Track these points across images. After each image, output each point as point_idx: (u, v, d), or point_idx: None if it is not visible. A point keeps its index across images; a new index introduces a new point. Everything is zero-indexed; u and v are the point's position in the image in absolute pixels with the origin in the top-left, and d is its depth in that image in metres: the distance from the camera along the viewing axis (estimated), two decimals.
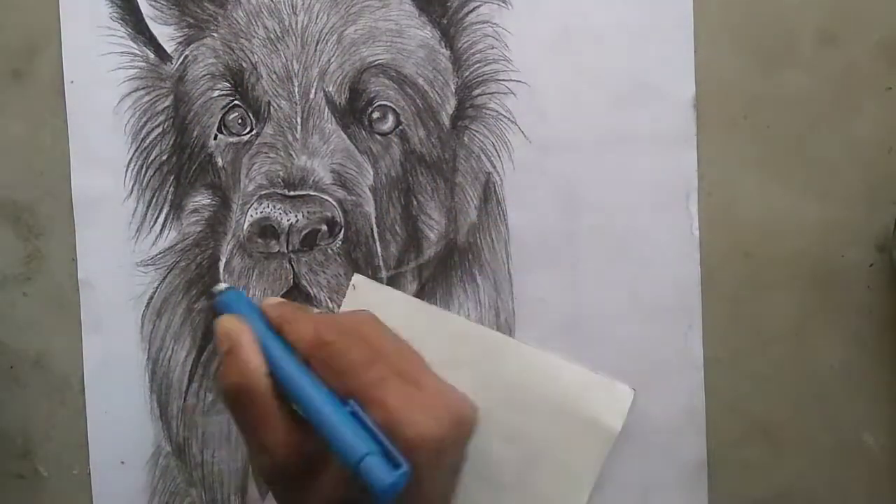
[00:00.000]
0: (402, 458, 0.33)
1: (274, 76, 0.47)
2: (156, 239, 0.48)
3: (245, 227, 0.46)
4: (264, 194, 0.45)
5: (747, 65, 0.47)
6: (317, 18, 0.47)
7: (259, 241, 0.45)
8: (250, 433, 0.36)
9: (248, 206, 0.46)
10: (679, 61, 0.47)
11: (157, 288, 0.48)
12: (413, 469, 0.34)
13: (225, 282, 0.47)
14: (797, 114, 0.47)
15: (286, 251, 0.45)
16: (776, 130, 0.47)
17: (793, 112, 0.47)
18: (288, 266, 0.45)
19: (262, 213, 0.45)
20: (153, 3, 0.47)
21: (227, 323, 0.38)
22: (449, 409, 0.36)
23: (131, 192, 0.47)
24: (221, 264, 0.47)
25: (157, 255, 0.48)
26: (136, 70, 0.47)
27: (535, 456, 0.46)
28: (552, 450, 0.46)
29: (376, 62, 0.47)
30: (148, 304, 0.48)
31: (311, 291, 0.46)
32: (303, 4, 0.47)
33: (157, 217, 0.47)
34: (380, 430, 0.34)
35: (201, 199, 0.48)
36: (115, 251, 0.47)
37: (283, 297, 0.46)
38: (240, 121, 0.47)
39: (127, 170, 0.47)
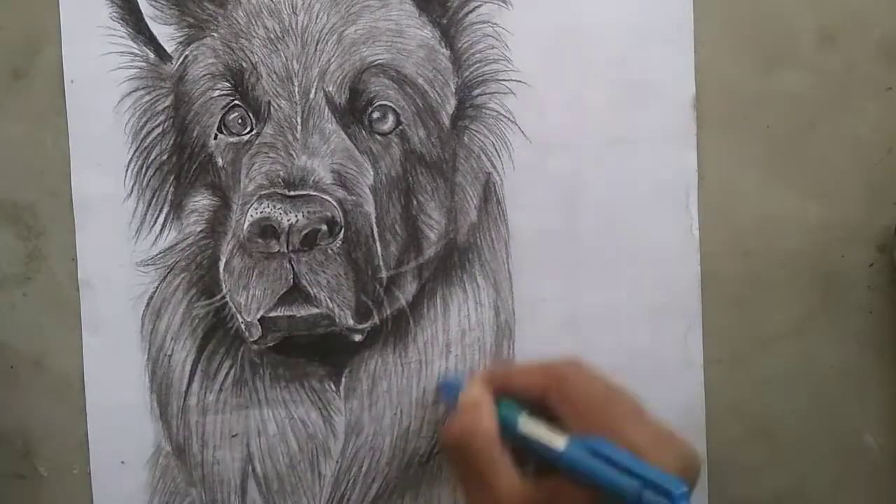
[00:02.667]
0: (673, 481, 0.34)
1: (274, 76, 0.47)
2: (156, 239, 0.47)
3: (245, 226, 0.45)
4: (264, 194, 0.45)
5: (747, 65, 0.47)
6: (317, 18, 0.47)
7: (259, 240, 0.45)
8: (476, 488, 0.37)
9: (248, 205, 0.46)
10: (679, 61, 0.47)
11: (157, 288, 0.48)
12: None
13: (225, 283, 0.47)
14: (797, 114, 0.47)
15: (286, 251, 0.45)
16: (776, 130, 0.47)
17: (793, 112, 0.47)
18: (288, 266, 0.45)
19: (262, 212, 0.45)
20: (153, 3, 0.47)
21: (470, 390, 0.40)
22: (681, 444, 0.37)
23: (131, 192, 0.47)
24: (221, 264, 0.47)
25: (157, 255, 0.47)
26: (136, 70, 0.47)
27: None
28: None
29: (376, 62, 0.47)
30: (148, 304, 0.48)
31: (311, 291, 0.45)
32: (303, 4, 0.47)
33: (157, 217, 0.47)
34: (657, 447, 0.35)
35: (201, 199, 0.48)
36: (115, 251, 0.47)
37: (282, 296, 0.46)
38: (240, 121, 0.47)
39: (127, 170, 0.47)
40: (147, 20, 0.47)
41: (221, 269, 0.47)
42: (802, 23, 0.47)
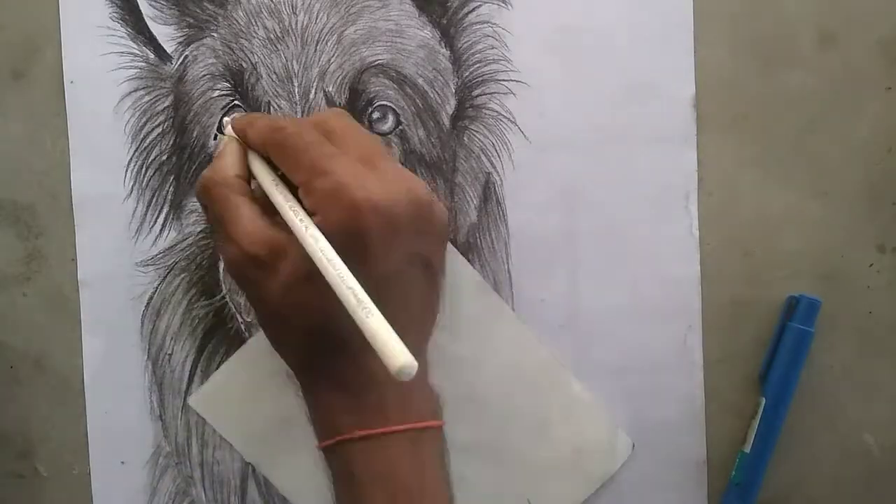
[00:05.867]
0: None
1: (274, 76, 0.47)
2: (155, 239, 0.47)
3: None
4: None
5: (747, 65, 0.47)
6: (317, 18, 0.47)
7: None
8: (219, 225, 0.38)
9: None
10: (679, 61, 0.47)
11: (156, 288, 0.48)
12: (363, 238, 0.35)
13: (225, 283, 0.47)
14: (797, 114, 0.47)
15: None
16: (776, 130, 0.47)
17: (793, 112, 0.47)
18: None
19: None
20: (153, 3, 0.47)
21: (221, 140, 0.41)
22: (405, 185, 0.37)
23: (131, 192, 0.47)
24: (221, 264, 0.47)
25: (156, 255, 0.47)
26: (136, 70, 0.47)
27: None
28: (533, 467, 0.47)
29: (376, 62, 0.47)
30: (148, 304, 0.48)
31: None
32: (303, 4, 0.47)
33: (157, 217, 0.47)
34: (327, 198, 0.35)
35: None
36: (115, 251, 0.47)
37: None
38: None
39: (127, 170, 0.47)
40: (147, 20, 0.47)
41: (221, 270, 0.47)
42: (802, 23, 0.47)
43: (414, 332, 0.38)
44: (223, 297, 0.47)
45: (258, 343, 0.46)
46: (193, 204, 0.47)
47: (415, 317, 0.39)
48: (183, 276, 0.48)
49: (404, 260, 0.37)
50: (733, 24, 0.47)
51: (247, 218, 0.37)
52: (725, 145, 0.47)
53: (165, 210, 0.47)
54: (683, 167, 0.47)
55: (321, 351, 0.38)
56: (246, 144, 0.40)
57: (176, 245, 0.48)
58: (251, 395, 0.46)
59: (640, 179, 0.47)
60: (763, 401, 0.46)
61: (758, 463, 0.46)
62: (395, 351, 0.31)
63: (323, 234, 0.35)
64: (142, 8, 0.47)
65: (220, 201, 0.38)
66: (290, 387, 0.42)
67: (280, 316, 0.38)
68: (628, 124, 0.47)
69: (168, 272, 0.48)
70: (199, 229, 0.47)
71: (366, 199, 0.35)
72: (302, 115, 0.46)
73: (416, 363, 0.31)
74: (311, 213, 0.36)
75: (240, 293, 0.46)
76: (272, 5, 0.47)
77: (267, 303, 0.38)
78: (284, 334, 0.39)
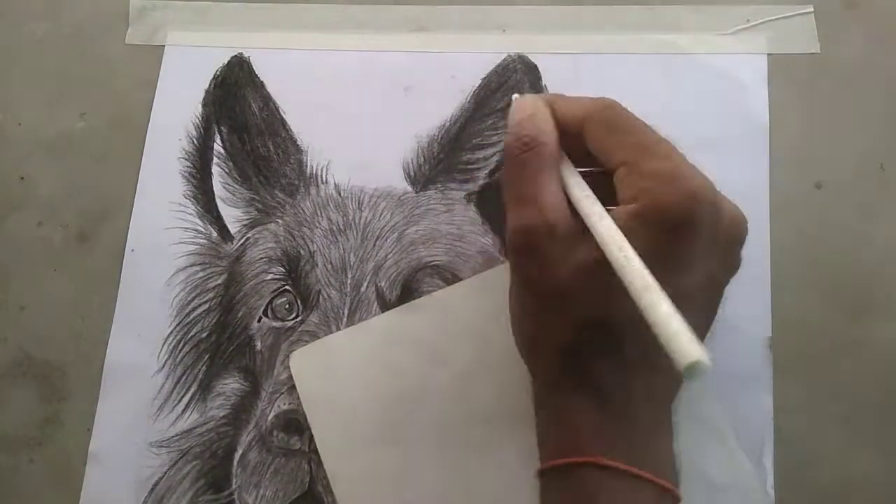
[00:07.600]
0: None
1: (329, 266, 0.46)
2: (176, 419, 0.44)
3: (270, 417, 0.42)
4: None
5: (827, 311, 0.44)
6: (380, 216, 0.47)
7: (281, 434, 0.42)
8: (523, 185, 0.34)
9: (278, 395, 0.43)
10: (756, 302, 0.44)
11: (164, 473, 0.44)
12: (692, 232, 0.31)
13: (236, 478, 0.43)
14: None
15: (307, 450, 0.42)
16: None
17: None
18: (306, 467, 0.41)
19: (290, 404, 0.42)
20: (227, 185, 0.48)
21: (524, 98, 0.37)
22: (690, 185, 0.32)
23: (163, 366, 0.45)
24: (237, 455, 0.43)
25: (173, 437, 0.44)
26: (196, 246, 0.47)
27: None
28: None
29: (433, 262, 0.45)
30: (152, 490, 0.43)
31: (325, 500, 0.41)
32: (369, 202, 0.47)
33: (183, 396, 0.45)
34: (663, 180, 0.32)
35: (231, 383, 0.45)
36: (133, 426, 0.44)
37: (294, 502, 0.41)
38: (287, 306, 0.46)
39: (164, 343, 0.46)
40: (217, 200, 0.48)
41: (235, 462, 0.43)
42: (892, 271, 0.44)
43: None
44: (230, 494, 0.43)
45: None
46: (222, 386, 0.45)
47: None
48: (195, 463, 0.44)
49: (705, 274, 0.33)
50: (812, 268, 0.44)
51: (556, 187, 0.34)
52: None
53: (193, 389, 0.45)
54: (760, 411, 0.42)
55: (585, 353, 0.33)
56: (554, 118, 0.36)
57: (195, 428, 0.44)
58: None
59: None
60: None
61: None
62: (687, 342, 0.26)
63: (650, 217, 0.31)
64: (215, 189, 0.48)
65: (538, 161, 0.35)
66: None
67: (557, 298, 0.33)
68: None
69: (181, 457, 0.44)
70: (221, 414, 0.44)
71: (705, 190, 0.32)
72: (349, 307, 0.45)
73: (709, 363, 0.26)
74: (630, 198, 0.32)
75: (251, 489, 0.42)
76: (339, 200, 0.47)
77: (547, 279, 0.33)
78: (550, 321, 0.34)
